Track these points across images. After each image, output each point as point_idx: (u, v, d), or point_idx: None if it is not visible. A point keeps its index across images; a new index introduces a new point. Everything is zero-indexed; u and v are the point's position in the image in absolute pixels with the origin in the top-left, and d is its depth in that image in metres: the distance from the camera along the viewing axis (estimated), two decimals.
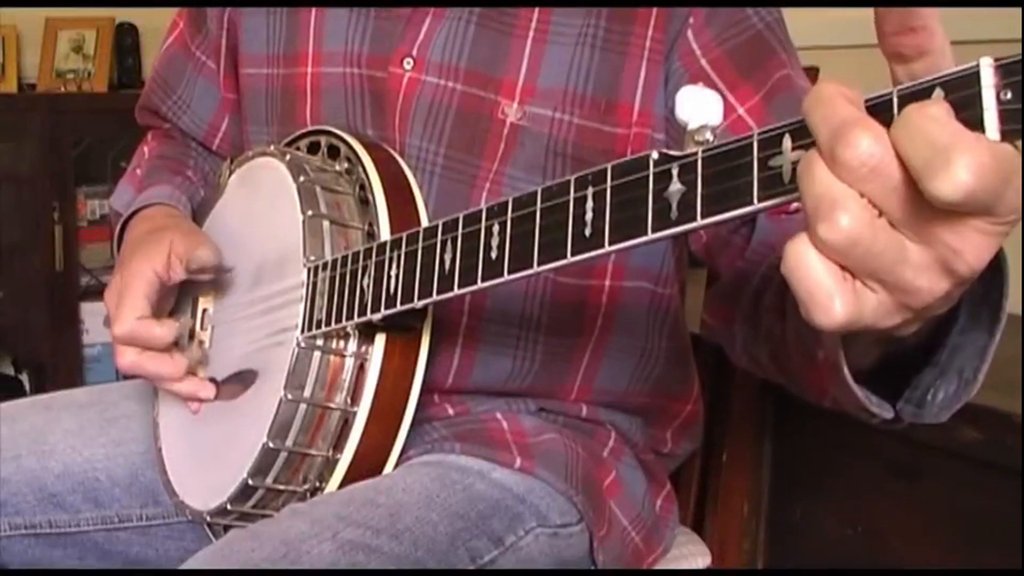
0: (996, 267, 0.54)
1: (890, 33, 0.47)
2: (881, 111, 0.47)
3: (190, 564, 0.76)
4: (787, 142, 0.50)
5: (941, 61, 0.47)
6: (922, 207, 0.45)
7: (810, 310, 0.47)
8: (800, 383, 0.74)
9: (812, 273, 0.47)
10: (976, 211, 0.44)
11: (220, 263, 0.93)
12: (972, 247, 0.45)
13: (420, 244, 0.76)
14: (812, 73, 1.12)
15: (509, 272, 0.67)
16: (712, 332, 0.91)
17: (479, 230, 0.70)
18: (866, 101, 0.47)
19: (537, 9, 0.90)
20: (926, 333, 0.58)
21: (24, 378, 2.77)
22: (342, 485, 0.85)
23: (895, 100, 0.47)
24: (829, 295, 0.47)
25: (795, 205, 0.49)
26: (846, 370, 0.60)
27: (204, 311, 0.99)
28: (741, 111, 0.86)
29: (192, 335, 0.98)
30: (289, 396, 0.83)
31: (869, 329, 0.49)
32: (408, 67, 0.92)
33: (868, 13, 0.49)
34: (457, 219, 0.72)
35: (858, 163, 0.45)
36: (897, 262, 0.46)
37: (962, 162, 0.42)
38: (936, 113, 0.44)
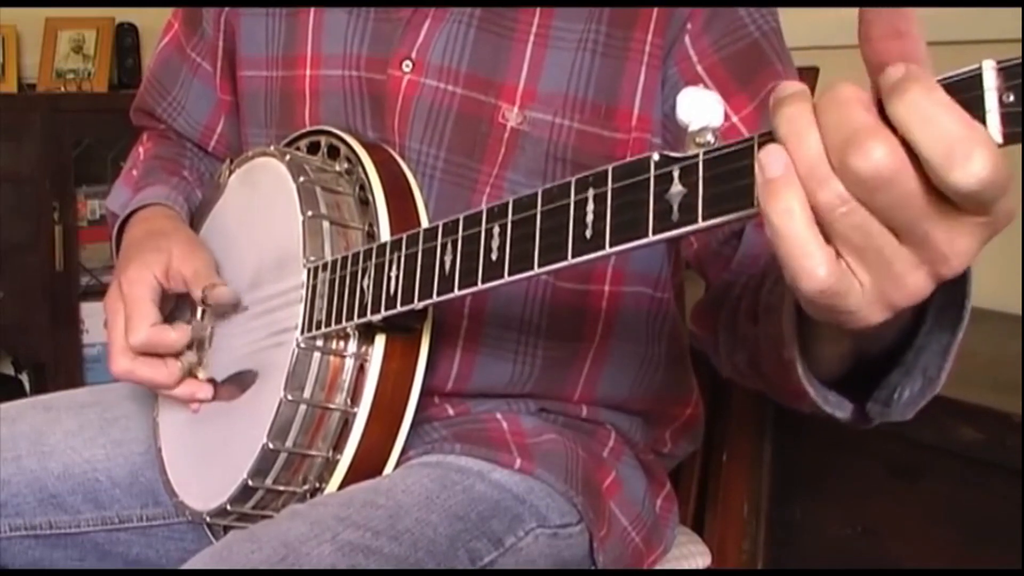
0: None
1: (877, 37, 0.47)
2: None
3: (189, 565, 0.76)
4: None
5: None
6: (924, 214, 0.45)
7: (795, 272, 0.48)
8: (776, 387, 0.74)
9: (799, 233, 0.47)
10: (980, 207, 0.44)
11: (238, 300, 0.92)
12: (961, 250, 0.46)
13: (420, 246, 0.75)
14: (812, 73, 1.12)
15: (509, 274, 0.67)
16: (698, 341, 0.91)
17: (479, 232, 0.69)
18: None
19: (538, 13, 0.90)
20: (892, 335, 0.59)
21: (24, 378, 2.77)
22: (342, 486, 0.85)
23: None
24: (814, 256, 0.47)
25: None
26: (800, 368, 0.61)
27: (203, 311, 0.99)
28: (735, 119, 0.86)
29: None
30: (289, 397, 0.83)
31: (850, 318, 0.49)
32: (407, 69, 0.92)
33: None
34: (457, 221, 0.72)
35: (872, 174, 0.44)
36: (891, 259, 0.47)
37: (981, 154, 0.42)
38: (946, 99, 0.44)
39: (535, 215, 0.65)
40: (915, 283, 0.47)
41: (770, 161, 0.47)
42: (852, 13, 0.49)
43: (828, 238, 0.47)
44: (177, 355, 0.92)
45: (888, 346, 0.61)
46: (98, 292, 2.54)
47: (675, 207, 0.56)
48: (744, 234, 0.85)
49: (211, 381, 0.95)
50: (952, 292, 0.55)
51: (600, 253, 0.60)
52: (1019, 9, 1.43)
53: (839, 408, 0.65)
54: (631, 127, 0.89)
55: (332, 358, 0.84)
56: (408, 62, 0.92)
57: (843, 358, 0.63)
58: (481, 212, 0.70)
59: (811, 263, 0.47)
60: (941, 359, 0.59)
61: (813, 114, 0.47)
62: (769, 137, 0.51)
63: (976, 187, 0.43)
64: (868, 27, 0.47)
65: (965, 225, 0.45)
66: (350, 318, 0.81)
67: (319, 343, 0.84)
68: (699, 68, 0.87)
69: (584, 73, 0.89)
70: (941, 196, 0.44)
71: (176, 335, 0.90)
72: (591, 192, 0.61)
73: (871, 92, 0.47)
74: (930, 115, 0.43)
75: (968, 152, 0.42)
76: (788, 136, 0.47)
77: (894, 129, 0.45)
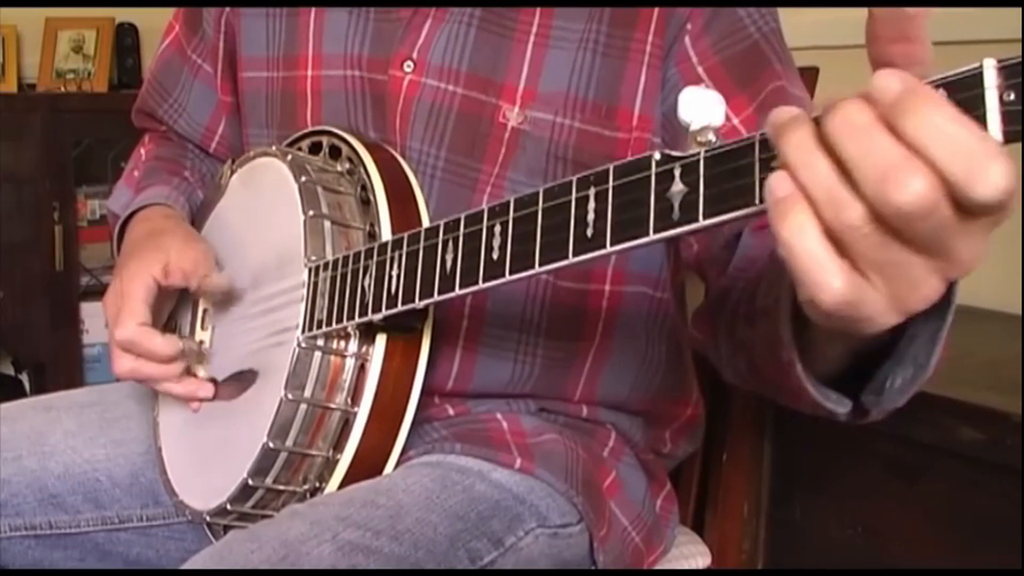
0: None
1: (885, 38, 0.47)
2: None
3: (189, 565, 0.76)
4: None
5: (927, 73, 0.47)
6: (955, 232, 0.45)
7: (811, 287, 0.48)
8: (776, 388, 0.73)
9: (812, 248, 0.47)
10: (997, 211, 0.45)
11: (233, 287, 0.92)
12: (975, 254, 0.47)
13: (421, 244, 0.76)
14: (812, 73, 1.12)
15: (511, 272, 0.67)
16: (700, 346, 0.91)
17: (480, 230, 0.70)
18: None
19: (538, 13, 0.90)
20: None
21: (24, 378, 2.77)
22: (342, 485, 0.85)
23: None
24: (829, 270, 0.47)
25: None
26: (799, 367, 0.61)
27: (204, 311, 0.99)
28: (736, 121, 0.87)
29: (192, 335, 0.98)
30: (289, 396, 0.83)
31: (863, 325, 0.49)
32: (408, 70, 0.92)
33: (867, 13, 0.49)
34: (459, 219, 0.72)
35: (916, 208, 0.44)
36: (909, 269, 0.47)
37: (999, 166, 0.43)
38: (955, 113, 0.44)
39: (536, 213, 0.65)
40: (930, 288, 0.48)
41: (777, 183, 0.48)
42: (852, 13, 0.49)
43: (843, 253, 0.47)
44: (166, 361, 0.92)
45: (880, 339, 0.61)
46: (98, 292, 2.53)
47: (676, 206, 0.56)
48: (740, 238, 0.85)
49: (212, 380, 0.95)
50: None
51: (601, 252, 0.60)
52: (1019, 9, 1.43)
53: (839, 404, 0.65)
54: (632, 127, 0.89)
55: (333, 357, 0.84)
56: (409, 62, 0.92)
57: (839, 356, 0.63)
58: (482, 210, 0.70)
59: (826, 276, 0.47)
60: (931, 345, 0.59)
61: (816, 139, 0.47)
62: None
63: (1001, 198, 0.43)
64: (877, 26, 0.47)
65: (980, 230, 0.46)
66: (351, 317, 0.81)
67: (320, 342, 0.84)
68: (699, 69, 0.88)
69: (585, 73, 0.89)
70: (964, 209, 0.45)
71: (162, 342, 0.90)
72: (592, 190, 0.61)
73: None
74: (947, 132, 0.43)
75: (987, 165, 0.43)
76: (797, 165, 0.47)
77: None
